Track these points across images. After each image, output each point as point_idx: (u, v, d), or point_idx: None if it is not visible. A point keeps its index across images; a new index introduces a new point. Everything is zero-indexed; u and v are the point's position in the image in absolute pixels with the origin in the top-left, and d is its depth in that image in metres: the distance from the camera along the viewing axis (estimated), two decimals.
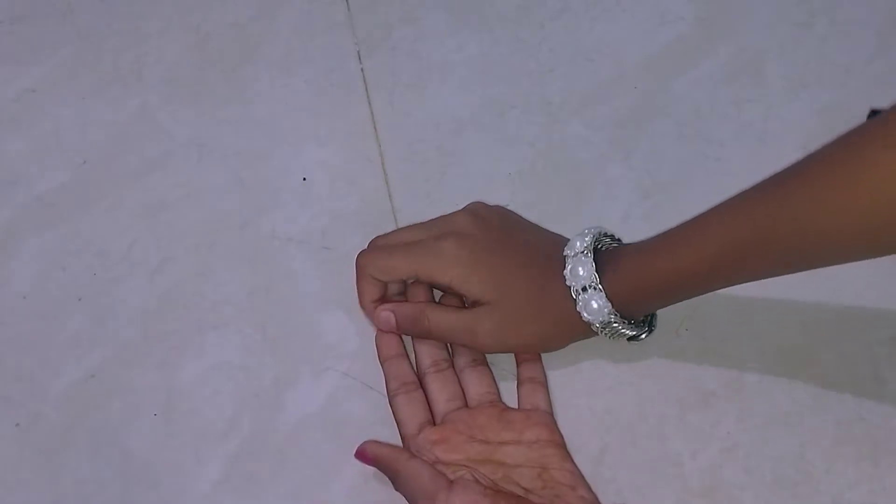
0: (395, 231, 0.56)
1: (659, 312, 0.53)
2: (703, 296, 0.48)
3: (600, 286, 0.49)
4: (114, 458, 0.53)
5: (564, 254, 0.51)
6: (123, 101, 0.64)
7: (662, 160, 0.62)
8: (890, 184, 0.40)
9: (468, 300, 0.53)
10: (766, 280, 0.47)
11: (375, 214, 0.60)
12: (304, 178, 0.61)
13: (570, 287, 0.50)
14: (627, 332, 0.51)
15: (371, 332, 0.55)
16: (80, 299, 0.57)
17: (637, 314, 0.51)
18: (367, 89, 0.65)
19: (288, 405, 0.54)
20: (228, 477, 0.52)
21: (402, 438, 0.52)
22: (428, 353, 0.54)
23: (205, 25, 0.67)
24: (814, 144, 0.44)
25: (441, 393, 0.53)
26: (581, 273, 0.49)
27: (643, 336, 0.52)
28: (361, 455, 0.50)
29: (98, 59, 0.66)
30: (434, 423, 0.52)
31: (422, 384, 0.53)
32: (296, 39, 0.67)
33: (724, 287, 0.48)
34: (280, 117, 0.64)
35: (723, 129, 0.62)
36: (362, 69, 0.66)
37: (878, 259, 0.43)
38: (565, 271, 0.50)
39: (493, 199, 0.57)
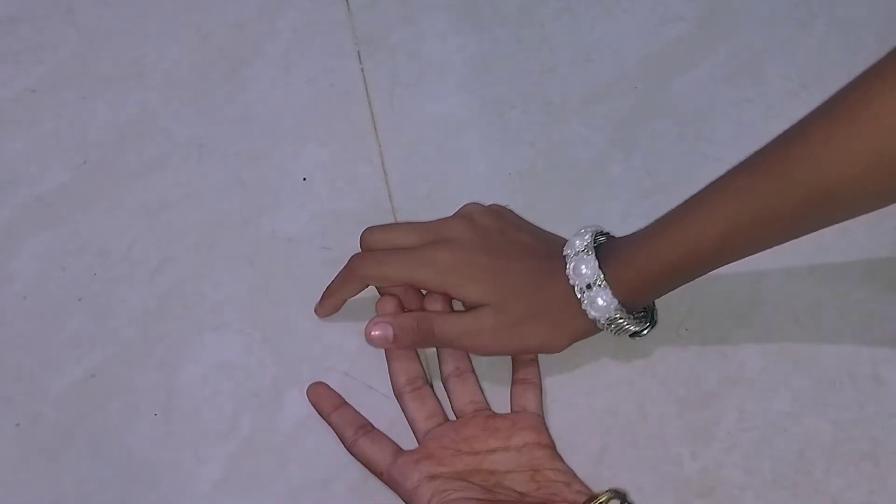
0: (388, 228, 0.55)
1: (659, 311, 0.53)
2: (703, 295, 0.48)
3: (605, 282, 0.49)
4: (114, 458, 0.53)
5: (565, 253, 0.50)
6: (123, 101, 0.64)
7: (662, 160, 0.62)
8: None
9: (466, 305, 0.52)
10: (765, 280, 0.47)
11: (375, 214, 0.60)
12: (304, 178, 0.61)
13: (573, 286, 0.49)
14: (632, 327, 0.51)
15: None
16: (80, 299, 0.57)
17: (642, 303, 0.51)
18: (367, 89, 0.65)
19: (288, 405, 0.54)
20: (228, 477, 0.52)
21: (378, 475, 0.50)
22: (404, 370, 0.53)
23: (205, 25, 0.67)
24: None
25: (420, 411, 0.52)
26: (584, 271, 0.49)
27: (645, 332, 0.52)
28: None
29: (98, 59, 0.66)
30: (408, 445, 0.51)
31: (399, 403, 0.53)
32: (296, 39, 0.67)
33: (730, 262, 0.47)
34: (280, 117, 0.64)
35: (723, 129, 0.62)
36: (362, 69, 0.66)
37: (878, 259, 0.43)
38: (568, 270, 0.50)
39: (493, 199, 0.57)
